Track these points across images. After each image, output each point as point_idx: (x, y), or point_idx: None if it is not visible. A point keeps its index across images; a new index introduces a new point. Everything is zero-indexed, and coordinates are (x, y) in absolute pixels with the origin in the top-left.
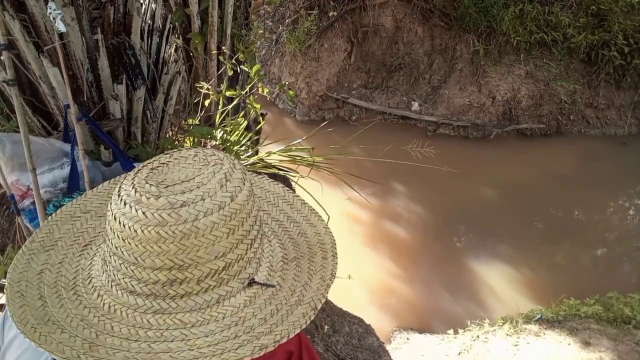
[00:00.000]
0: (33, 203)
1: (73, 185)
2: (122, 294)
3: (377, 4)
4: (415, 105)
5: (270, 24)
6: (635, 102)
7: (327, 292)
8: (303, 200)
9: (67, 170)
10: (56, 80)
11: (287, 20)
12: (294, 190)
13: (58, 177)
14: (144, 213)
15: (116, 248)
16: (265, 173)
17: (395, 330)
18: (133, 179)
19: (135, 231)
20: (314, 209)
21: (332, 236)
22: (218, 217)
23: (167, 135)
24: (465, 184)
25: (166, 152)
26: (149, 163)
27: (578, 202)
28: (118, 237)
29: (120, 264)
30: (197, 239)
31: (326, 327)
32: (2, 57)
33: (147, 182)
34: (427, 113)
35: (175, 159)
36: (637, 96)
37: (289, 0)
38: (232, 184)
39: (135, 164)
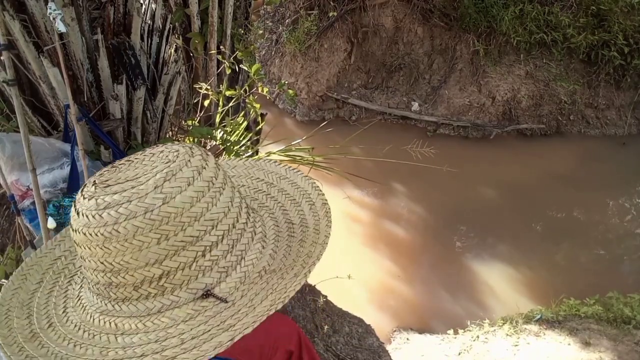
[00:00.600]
0: (33, 203)
1: (73, 186)
2: (87, 289)
3: (377, 4)
4: (415, 106)
5: (270, 24)
6: (635, 102)
7: (262, 320)
8: (325, 200)
9: (67, 170)
10: (56, 81)
11: (287, 21)
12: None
13: (58, 177)
14: (77, 213)
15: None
16: None
17: (395, 330)
18: (96, 174)
19: (73, 230)
20: (329, 212)
21: (324, 247)
22: (142, 222)
23: (167, 136)
24: (465, 184)
25: (150, 147)
26: (119, 160)
27: (578, 202)
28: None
29: (79, 256)
30: (120, 243)
31: (326, 327)
32: (2, 57)
33: (94, 181)
34: (427, 113)
35: (145, 155)
36: (637, 96)
37: (289, 1)
38: (171, 184)
39: None
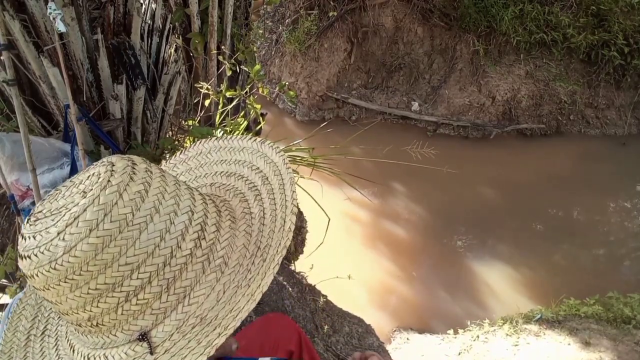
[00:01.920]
0: (33, 203)
1: None
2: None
3: (377, 4)
4: (415, 105)
5: (270, 24)
6: (635, 102)
7: None
8: (292, 177)
9: (67, 170)
10: (56, 80)
11: (287, 20)
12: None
13: (58, 177)
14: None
15: None
16: None
17: (395, 330)
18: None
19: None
20: (295, 192)
21: (278, 265)
22: (49, 272)
23: (167, 135)
24: (465, 184)
25: (97, 162)
26: (75, 177)
27: (578, 202)
28: None
29: None
30: (45, 286)
31: (326, 327)
32: (2, 57)
33: (39, 207)
34: (427, 113)
35: (80, 175)
36: (637, 96)
37: (289, 0)
38: (71, 230)
39: None
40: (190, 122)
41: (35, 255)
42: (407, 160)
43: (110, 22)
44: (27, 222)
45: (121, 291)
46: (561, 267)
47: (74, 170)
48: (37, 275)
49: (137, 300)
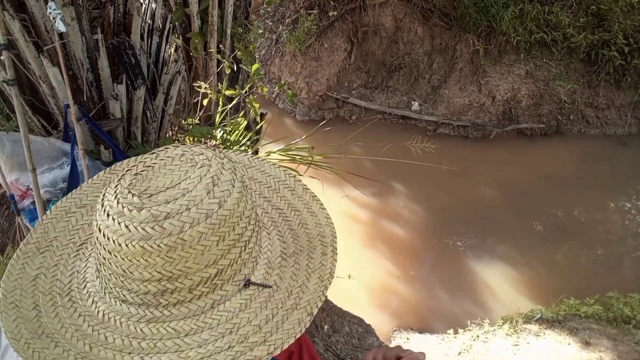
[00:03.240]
0: (33, 203)
1: (73, 185)
2: (115, 302)
3: (377, 4)
4: (415, 105)
5: (270, 23)
6: (635, 102)
7: (325, 294)
8: (305, 185)
9: (67, 170)
10: (56, 80)
11: (287, 20)
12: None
13: (58, 177)
14: (127, 226)
15: (104, 259)
16: None
17: (395, 330)
18: (116, 187)
19: (120, 245)
20: (315, 196)
21: (333, 227)
22: (205, 227)
23: (167, 135)
24: (465, 184)
25: (152, 151)
26: (134, 166)
27: (578, 202)
28: (104, 249)
29: (110, 274)
30: (185, 250)
31: (326, 327)
32: (2, 57)
33: (129, 192)
34: (427, 113)
35: (162, 159)
36: (637, 96)
37: (289, 0)
38: (220, 189)
39: None
40: (190, 122)
41: (187, 216)
42: (407, 159)
43: (110, 22)
44: (137, 199)
45: (243, 241)
46: (561, 267)
47: (74, 170)
48: (181, 239)
49: (248, 249)
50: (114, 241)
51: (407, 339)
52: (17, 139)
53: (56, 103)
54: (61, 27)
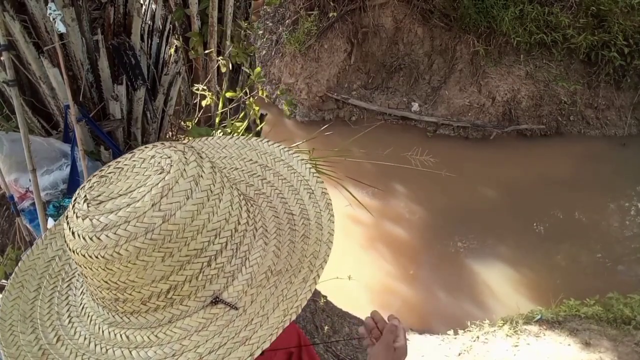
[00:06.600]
0: (33, 204)
1: (73, 186)
2: (90, 298)
3: (377, 5)
4: (415, 106)
5: (270, 24)
6: (635, 103)
7: (278, 333)
8: (325, 189)
9: (67, 171)
10: (56, 81)
11: (287, 21)
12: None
13: (58, 178)
14: (72, 233)
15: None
16: None
17: None
18: (81, 188)
19: (70, 250)
20: (330, 203)
21: (330, 247)
22: (144, 242)
23: (167, 136)
24: (465, 185)
25: (132, 150)
26: (108, 166)
27: (578, 203)
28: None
29: (79, 272)
30: (123, 264)
31: (326, 327)
32: (2, 58)
33: (85, 196)
34: (427, 114)
35: (134, 160)
36: (637, 97)
37: (289, 1)
38: (168, 200)
39: None
40: (189, 123)
41: (125, 230)
42: (407, 163)
43: (110, 23)
44: (85, 205)
45: (205, 256)
46: (561, 267)
47: (74, 171)
48: (117, 252)
49: (216, 264)
50: (67, 244)
51: (407, 339)
52: (15, 139)
53: (56, 104)
54: (61, 28)
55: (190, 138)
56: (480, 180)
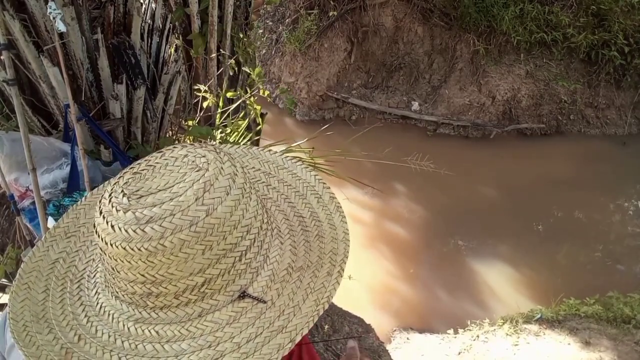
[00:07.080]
0: (33, 203)
1: (73, 185)
2: (112, 297)
3: (377, 4)
4: (415, 105)
5: (270, 23)
6: (635, 102)
7: (314, 321)
8: (332, 193)
9: (66, 170)
10: (56, 80)
11: (287, 20)
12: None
13: (58, 177)
14: (112, 227)
15: (100, 254)
16: None
17: (395, 330)
18: (114, 184)
19: (107, 244)
20: (340, 206)
21: (348, 245)
22: (188, 235)
23: (167, 135)
24: (465, 184)
25: (160, 150)
26: (137, 164)
27: (578, 202)
28: (98, 245)
29: (105, 269)
30: (166, 257)
31: (326, 326)
32: (2, 57)
33: (122, 191)
34: (427, 113)
35: (165, 159)
36: (637, 96)
37: (289, 0)
38: (211, 195)
39: None
40: (190, 122)
41: (170, 222)
42: (407, 160)
43: (110, 22)
44: (125, 199)
45: (237, 251)
46: (561, 266)
47: (74, 170)
48: (162, 245)
49: (245, 259)
50: (102, 239)
51: (407, 339)
52: (15, 138)
53: (56, 103)
54: (61, 27)
55: (190, 138)
56: (480, 179)
